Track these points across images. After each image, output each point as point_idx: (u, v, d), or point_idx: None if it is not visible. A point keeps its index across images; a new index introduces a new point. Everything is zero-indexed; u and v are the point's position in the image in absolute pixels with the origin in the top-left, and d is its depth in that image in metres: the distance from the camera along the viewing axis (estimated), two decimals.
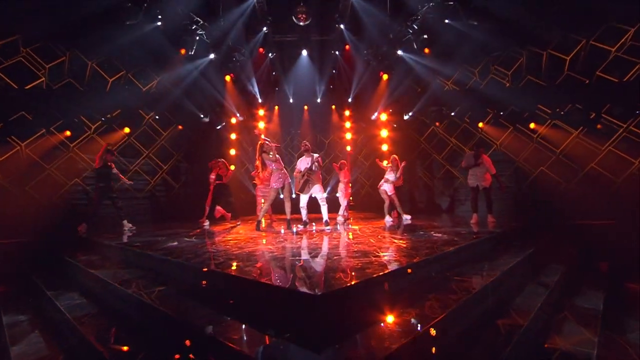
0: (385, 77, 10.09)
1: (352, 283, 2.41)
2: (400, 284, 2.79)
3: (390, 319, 2.22)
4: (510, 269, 3.34)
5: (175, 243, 4.59)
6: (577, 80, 7.48)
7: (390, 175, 7.14)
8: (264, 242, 4.70)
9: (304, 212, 6.15)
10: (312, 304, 2.15)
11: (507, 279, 3.28)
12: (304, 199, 6.09)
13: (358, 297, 2.41)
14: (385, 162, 7.47)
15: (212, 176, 7.42)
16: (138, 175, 9.08)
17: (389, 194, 7.14)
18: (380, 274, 2.63)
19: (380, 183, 7.29)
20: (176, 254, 3.78)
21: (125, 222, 6.66)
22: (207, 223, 7.13)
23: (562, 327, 2.85)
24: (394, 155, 7.27)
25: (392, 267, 2.92)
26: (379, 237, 4.80)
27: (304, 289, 2.30)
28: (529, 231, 5.80)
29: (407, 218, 7.07)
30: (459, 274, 3.22)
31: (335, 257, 3.40)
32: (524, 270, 3.79)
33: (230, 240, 4.94)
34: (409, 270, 2.90)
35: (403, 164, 7.04)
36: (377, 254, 3.47)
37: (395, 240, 4.43)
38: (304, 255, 3.65)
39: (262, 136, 5.97)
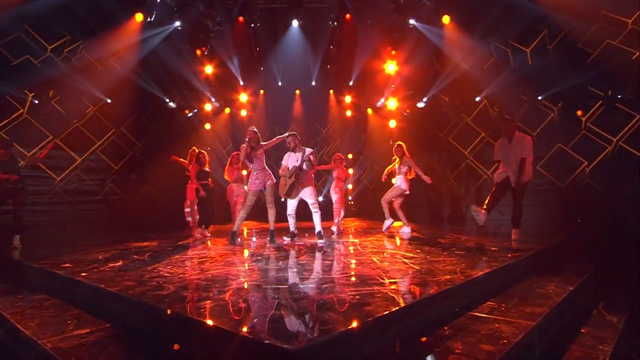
0: (394, 53, 9.71)
1: (344, 329, 2.04)
2: (410, 325, 2.47)
3: None
4: (561, 303, 2.95)
5: (120, 263, 4.29)
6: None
7: (403, 169, 6.59)
8: (237, 261, 4.47)
9: (291, 220, 5.98)
10: None
11: (558, 317, 2.88)
12: (291, 205, 5.87)
13: (352, 348, 2.06)
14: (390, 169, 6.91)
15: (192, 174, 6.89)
16: (87, 173, 8.72)
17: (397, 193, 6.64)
18: (386, 312, 2.28)
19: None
20: (113, 280, 3.39)
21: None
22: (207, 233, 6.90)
23: None
24: (399, 142, 6.70)
25: (402, 300, 2.62)
26: (385, 255, 4.55)
27: (271, 340, 1.90)
28: (579, 247, 5.50)
29: (387, 224, 6.83)
30: (491, 311, 2.89)
31: (326, 285, 3.16)
32: (579, 305, 3.41)
33: (193, 257, 4.63)
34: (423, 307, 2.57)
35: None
36: (382, 280, 3.23)
37: (406, 260, 4.09)
38: (285, 283, 3.31)
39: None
